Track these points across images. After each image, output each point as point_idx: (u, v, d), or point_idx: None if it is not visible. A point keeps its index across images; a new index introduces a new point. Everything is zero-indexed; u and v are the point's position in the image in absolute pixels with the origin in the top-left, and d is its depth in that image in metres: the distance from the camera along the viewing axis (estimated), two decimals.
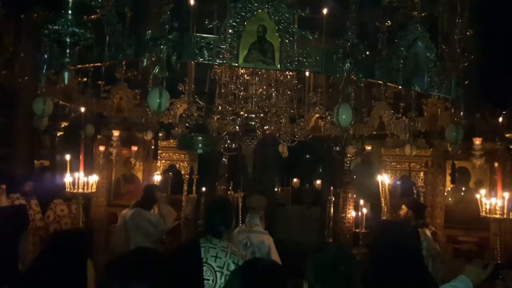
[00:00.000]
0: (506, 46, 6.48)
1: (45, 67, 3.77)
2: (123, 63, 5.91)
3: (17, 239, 3.05)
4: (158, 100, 3.22)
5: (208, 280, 2.82)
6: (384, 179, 6.03)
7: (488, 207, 5.39)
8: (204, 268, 2.84)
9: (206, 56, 3.48)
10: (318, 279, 1.75)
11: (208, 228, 3.05)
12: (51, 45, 3.31)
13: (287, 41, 3.46)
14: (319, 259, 1.81)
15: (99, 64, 4.16)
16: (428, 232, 4.83)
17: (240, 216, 5.66)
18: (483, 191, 5.62)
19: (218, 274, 2.84)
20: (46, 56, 3.62)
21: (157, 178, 6.66)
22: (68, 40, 2.04)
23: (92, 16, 3.25)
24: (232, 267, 2.85)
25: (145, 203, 5.40)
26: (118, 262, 1.61)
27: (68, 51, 2.08)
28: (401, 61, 3.59)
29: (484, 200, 5.45)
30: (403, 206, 5.27)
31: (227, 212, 3.14)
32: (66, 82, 2.43)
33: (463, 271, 2.30)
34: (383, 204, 6.21)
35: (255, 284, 1.58)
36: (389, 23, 4.44)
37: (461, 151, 4.84)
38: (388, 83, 3.95)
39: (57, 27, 2.03)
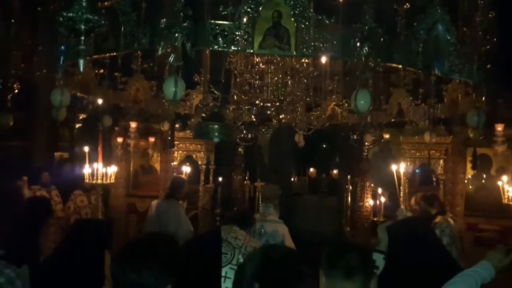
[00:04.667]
0: None
1: (62, 58, 3.79)
2: (139, 54, 5.93)
3: (41, 228, 3.19)
4: (174, 89, 3.22)
5: (226, 254, 2.92)
6: (401, 167, 5.93)
7: (510, 194, 5.29)
8: (223, 244, 2.95)
9: (221, 43, 3.45)
10: (332, 266, 1.76)
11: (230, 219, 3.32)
12: (68, 36, 3.32)
13: (303, 26, 3.40)
14: (333, 247, 1.83)
15: (114, 54, 4.17)
16: (451, 220, 4.73)
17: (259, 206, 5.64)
18: (505, 178, 5.51)
19: (236, 251, 2.93)
20: (62, 47, 3.63)
21: (186, 169, 6.55)
22: (82, 27, 2.04)
23: (106, 3, 3.24)
24: (250, 250, 2.92)
25: (177, 196, 5.32)
26: (129, 249, 1.63)
27: (83, 38, 2.08)
28: (421, 44, 3.49)
29: (506, 187, 5.35)
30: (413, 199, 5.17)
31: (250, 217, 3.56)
32: (81, 70, 2.43)
33: (485, 257, 2.27)
34: (401, 193, 6.11)
35: (273, 262, 1.58)
36: (408, 6, 4.32)
37: (483, 138, 4.71)
38: (407, 67, 3.85)
39: (71, 14, 2.03)
